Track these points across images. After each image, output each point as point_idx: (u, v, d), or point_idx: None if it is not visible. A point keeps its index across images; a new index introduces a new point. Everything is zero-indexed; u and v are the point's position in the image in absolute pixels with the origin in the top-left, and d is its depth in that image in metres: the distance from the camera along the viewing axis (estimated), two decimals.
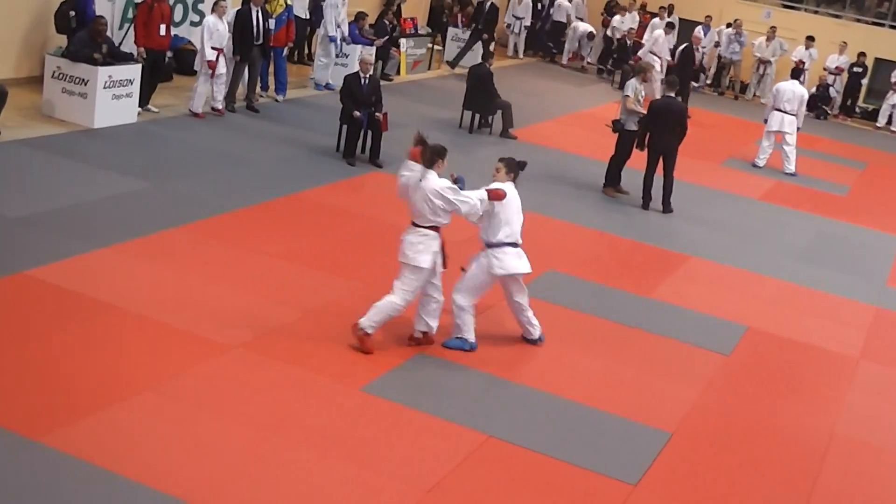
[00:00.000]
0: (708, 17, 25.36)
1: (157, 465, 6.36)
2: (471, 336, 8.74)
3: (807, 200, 16.24)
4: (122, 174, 11.64)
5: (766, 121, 17.93)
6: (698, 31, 23.27)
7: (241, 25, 15.13)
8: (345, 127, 14.04)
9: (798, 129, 17.82)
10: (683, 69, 20.68)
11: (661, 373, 9.02)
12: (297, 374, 7.85)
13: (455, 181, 8.41)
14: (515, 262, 8.74)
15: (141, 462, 6.36)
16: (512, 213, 8.69)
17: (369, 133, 14.03)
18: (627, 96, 14.15)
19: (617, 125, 14.26)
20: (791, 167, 17.70)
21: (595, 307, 10.19)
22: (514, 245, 8.74)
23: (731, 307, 10.83)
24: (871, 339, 10.66)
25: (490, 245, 8.70)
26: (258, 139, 14.32)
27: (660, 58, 21.74)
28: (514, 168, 8.80)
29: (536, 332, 9.09)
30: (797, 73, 18.26)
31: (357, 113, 13.73)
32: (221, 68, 14.69)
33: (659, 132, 13.81)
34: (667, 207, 14.07)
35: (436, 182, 8.23)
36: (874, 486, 7.75)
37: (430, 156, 8.30)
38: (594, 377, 8.71)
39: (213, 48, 14.46)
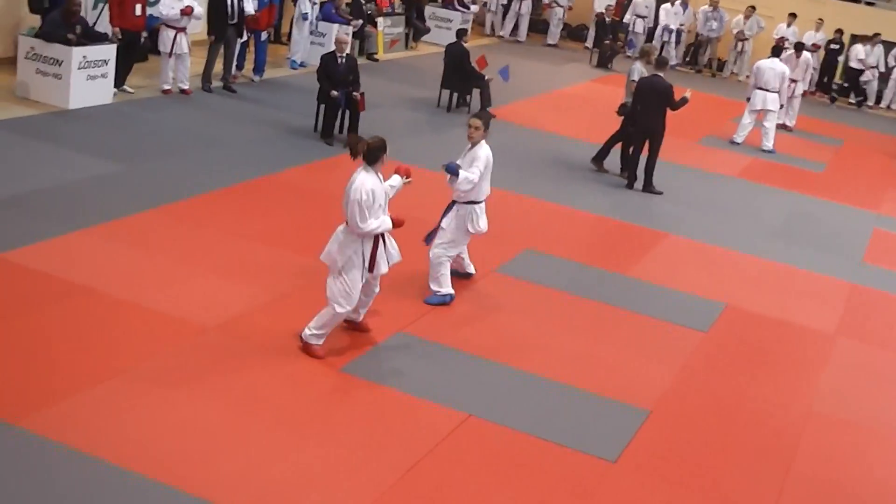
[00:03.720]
0: None
1: (135, 448, 6.34)
2: (449, 288, 9.29)
3: (784, 177, 16.30)
4: (98, 156, 11.56)
5: (748, 99, 18.00)
6: None
7: (215, 4, 15.03)
8: (322, 107, 13.97)
9: (781, 106, 17.91)
10: None
11: (639, 351, 9.05)
12: (276, 355, 7.83)
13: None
14: (484, 220, 9.41)
15: (118, 444, 6.33)
16: (489, 173, 9.29)
17: (347, 113, 13.97)
18: (633, 81, 14.13)
19: (623, 109, 14.24)
20: (769, 144, 17.78)
21: (573, 286, 10.20)
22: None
23: (708, 285, 10.87)
24: (848, 316, 10.73)
25: (474, 202, 9.26)
26: (235, 120, 14.24)
27: (794, 81, 19.63)
28: (489, 123, 9.26)
29: (472, 267, 9.92)
30: (777, 51, 18.32)
31: (334, 92, 13.67)
32: (184, 48, 14.62)
33: (644, 111, 13.79)
34: (647, 186, 14.09)
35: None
36: (850, 462, 7.81)
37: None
38: (573, 356, 8.73)
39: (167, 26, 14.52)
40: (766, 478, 7.33)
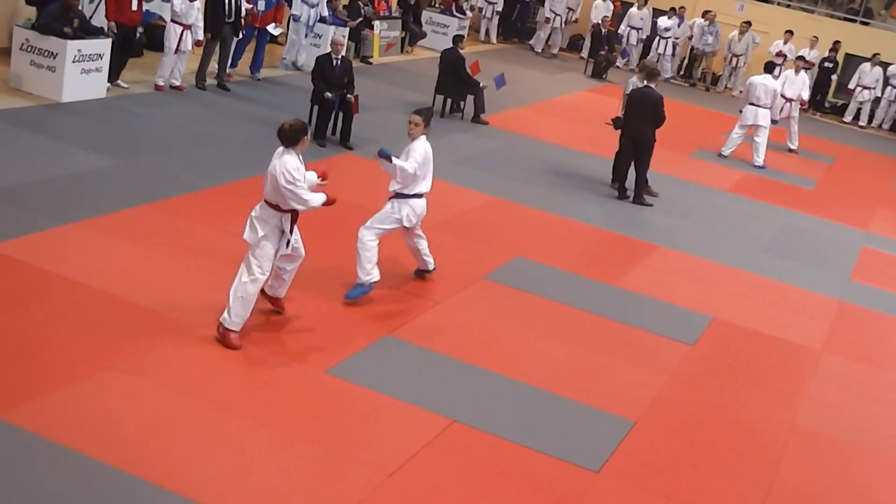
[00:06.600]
0: (682, 7, 25.42)
1: (119, 444, 6.31)
2: (374, 275, 9.10)
3: (774, 193, 16.36)
4: (90, 150, 11.53)
5: (740, 111, 18.06)
6: None
7: (213, 3, 15.02)
8: (316, 108, 13.98)
9: (774, 122, 17.97)
10: None
11: (626, 361, 9.06)
12: (263, 355, 7.82)
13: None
14: (417, 216, 9.34)
15: (102, 440, 6.31)
16: (430, 168, 9.29)
17: (340, 115, 13.98)
18: (628, 94, 14.15)
19: (618, 122, 14.24)
20: (760, 160, 17.83)
21: (562, 295, 10.21)
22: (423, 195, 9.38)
23: (696, 297, 10.89)
24: (834, 332, 10.76)
25: (408, 196, 9.20)
26: (228, 118, 14.23)
27: (789, 100, 19.06)
28: (430, 120, 9.31)
29: (432, 264, 9.82)
30: (770, 67, 18.38)
31: (328, 94, 13.67)
32: (186, 45, 14.63)
33: (634, 122, 13.81)
34: (636, 198, 14.11)
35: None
36: (833, 477, 7.83)
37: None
38: (559, 364, 8.74)
39: (175, 22, 14.50)
40: (750, 491, 7.34)
